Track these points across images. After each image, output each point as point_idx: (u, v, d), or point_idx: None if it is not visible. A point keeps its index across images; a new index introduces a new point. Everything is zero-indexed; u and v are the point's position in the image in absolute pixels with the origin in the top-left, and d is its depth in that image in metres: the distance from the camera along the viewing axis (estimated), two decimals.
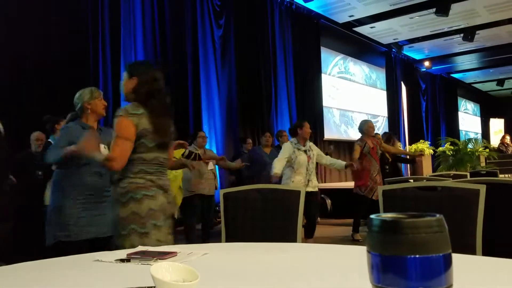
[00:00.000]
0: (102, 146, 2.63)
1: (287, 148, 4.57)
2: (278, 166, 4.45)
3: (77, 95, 2.75)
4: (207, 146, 5.65)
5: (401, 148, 10.20)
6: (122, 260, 1.28)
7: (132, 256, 1.30)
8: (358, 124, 5.86)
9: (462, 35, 12.48)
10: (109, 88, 6.81)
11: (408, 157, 7.30)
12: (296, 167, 4.48)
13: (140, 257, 1.29)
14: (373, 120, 13.63)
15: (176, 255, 1.31)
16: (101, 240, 2.60)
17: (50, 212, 2.64)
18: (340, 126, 12.45)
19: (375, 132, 6.05)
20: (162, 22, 7.74)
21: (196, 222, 5.02)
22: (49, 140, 4.25)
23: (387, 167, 6.19)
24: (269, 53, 9.88)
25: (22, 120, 4.99)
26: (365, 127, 5.46)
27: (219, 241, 1.92)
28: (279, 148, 5.96)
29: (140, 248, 1.44)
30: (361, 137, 5.50)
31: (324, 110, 11.73)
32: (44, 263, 1.33)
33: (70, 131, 2.64)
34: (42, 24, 5.94)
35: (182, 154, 4.29)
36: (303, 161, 4.49)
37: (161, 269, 0.86)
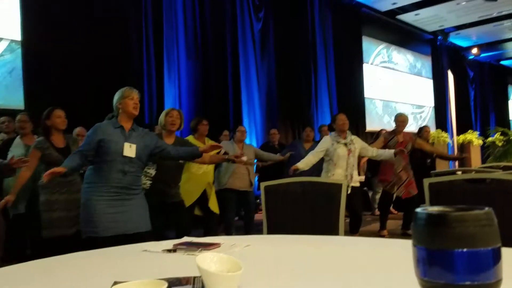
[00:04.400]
0: (128, 144, 2.68)
1: (325, 140, 4.49)
2: (306, 160, 4.34)
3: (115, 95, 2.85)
4: (247, 141, 5.65)
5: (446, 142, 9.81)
6: (168, 251, 1.33)
7: (178, 247, 1.34)
8: None
9: None
10: (153, 84, 7.00)
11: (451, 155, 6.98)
12: (336, 161, 4.37)
13: (186, 248, 1.33)
14: (418, 111, 13.18)
15: (220, 246, 1.34)
16: (129, 236, 2.62)
17: (81, 207, 2.71)
18: (383, 117, 12.16)
19: (424, 125, 5.81)
20: (203, 17, 7.85)
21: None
22: None
23: (429, 160, 5.92)
24: (309, 45, 9.78)
25: (68, 120, 5.22)
26: (395, 121, 5.24)
27: (261, 233, 1.94)
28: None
29: (185, 239, 1.48)
30: (394, 129, 5.29)
31: (366, 101, 11.50)
32: (94, 253, 1.40)
33: (98, 130, 2.69)
34: (86, 23, 6.16)
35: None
36: (342, 154, 4.38)
37: (206, 259, 0.88)
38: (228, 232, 4.72)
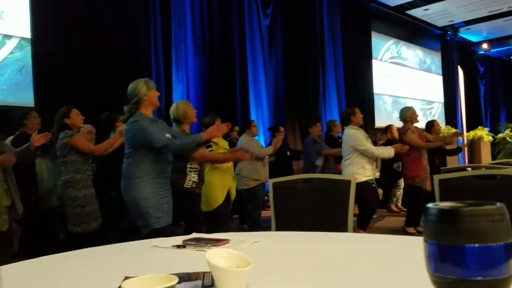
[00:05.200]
0: (169, 135, 2.77)
1: (360, 133, 4.41)
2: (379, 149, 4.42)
3: (131, 87, 2.79)
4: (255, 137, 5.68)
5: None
6: (178, 246, 1.33)
7: (188, 243, 1.35)
8: None
9: None
10: (161, 80, 7.03)
11: (448, 147, 6.62)
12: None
13: (195, 244, 1.33)
14: (428, 107, 13.06)
15: (229, 242, 1.35)
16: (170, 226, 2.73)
17: (135, 202, 2.68)
18: (392, 113, 12.08)
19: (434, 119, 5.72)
20: (210, 13, 7.86)
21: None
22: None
23: (436, 159, 5.80)
24: (317, 41, 9.74)
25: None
26: (409, 114, 5.11)
27: (269, 230, 1.95)
28: (330, 138, 5.85)
29: (194, 235, 1.49)
30: (404, 125, 5.14)
31: (375, 97, 11.43)
32: (105, 249, 1.41)
33: (154, 126, 2.70)
34: (94, 20, 6.19)
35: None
36: None
37: (215, 255, 0.89)
38: (253, 229, 4.67)
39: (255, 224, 4.75)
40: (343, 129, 4.69)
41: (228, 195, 4.28)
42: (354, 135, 4.45)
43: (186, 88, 7.44)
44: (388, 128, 6.91)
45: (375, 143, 5.37)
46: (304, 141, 6.04)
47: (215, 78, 7.81)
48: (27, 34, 5.80)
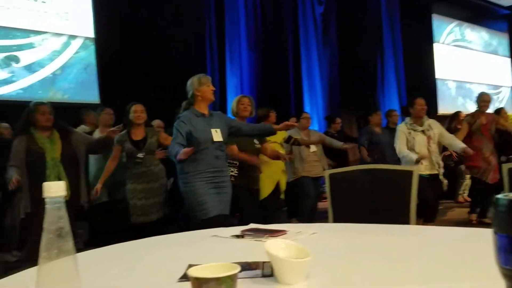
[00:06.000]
0: (214, 130, 2.81)
1: (401, 130, 4.17)
2: (407, 150, 4.08)
3: (188, 83, 2.92)
4: (310, 127, 5.64)
5: None
6: (237, 236, 1.36)
7: (246, 233, 1.38)
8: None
9: None
10: (216, 76, 7.15)
11: None
12: (418, 150, 4.04)
13: (253, 234, 1.36)
14: (494, 92, 12.23)
15: (286, 233, 1.36)
16: (222, 216, 2.77)
17: (185, 195, 2.84)
18: (456, 99, 11.48)
19: (501, 107, 5.33)
20: (263, 3, 7.85)
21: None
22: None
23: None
24: (374, 26, 9.42)
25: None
26: (478, 101, 4.84)
27: (325, 222, 1.93)
28: (388, 129, 5.64)
29: (252, 225, 1.51)
30: (475, 111, 4.89)
31: (438, 82, 10.91)
32: (167, 238, 1.47)
33: (185, 122, 2.79)
34: (152, 18, 6.40)
35: (284, 139, 4.34)
36: (422, 142, 4.07)
37: (274, 245, 0.90)
38: (305, 221, 4.67)
39: (308, 216, 4.74)
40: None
41: (277, 187, 4.30)
42: (397, 130, 4.25)
43: (240, 82, 7.52)
44: (456, 115, 6.51)
45: (452, 131, 4.93)
46: (363, 129, 5.87)
47: (269, 70, 7.81)
48: (91, 33, 6.12)
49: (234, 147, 3.45)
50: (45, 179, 3.08)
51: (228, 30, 7.38)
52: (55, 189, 0.62)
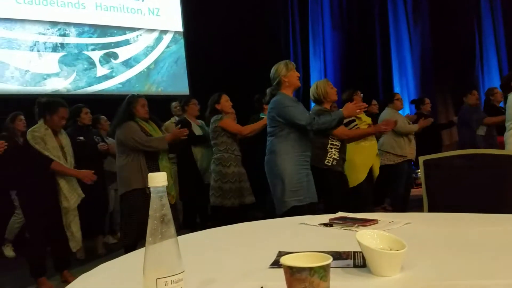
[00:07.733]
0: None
1: None
2: None
3: (273, 70, 2.93)
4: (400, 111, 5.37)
5: None
6: (325, 225, 1.35)
7: (334, 221, 1.36)
8: None
9: None
10: (298, 59, 7.10)
11: None
12: None
13: (342, 223, 1.34)
14: None
15: (377, 223, 1.31)
16: (313, 204, 2.79)
17: (281, 178, 2.79)
18: None
19: None
20: None
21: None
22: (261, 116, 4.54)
23: None
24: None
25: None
26: None
27: (418, 211, 1.84)
28: (490, 107, 5.18)
29: (340, 214, 1.49)
30: None
31: None
32: (255, 224, 1.51)
33: (296, 105, 2.85)
34: (237, 8, 6.51)
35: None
36: None
37: (366, 236, 0.88)
38: (397, 209, 4.49)
39: (401, 204, 4.53)
40: (505, 98, 4.10)
41: (370, 173, 4.16)
42: (509, 100, 3.85)
43: (323, 65, 7.38)
44: None
45: None
46: (461, 109, 5.43)
47: (354, 51, 7.56)
48: (180, 28, 6.42)
49: (344, 128, 3.45)
50: (157, 163, 3.31)
51: (311, 11, 7.25)
52: (158, 180, 0.67)
